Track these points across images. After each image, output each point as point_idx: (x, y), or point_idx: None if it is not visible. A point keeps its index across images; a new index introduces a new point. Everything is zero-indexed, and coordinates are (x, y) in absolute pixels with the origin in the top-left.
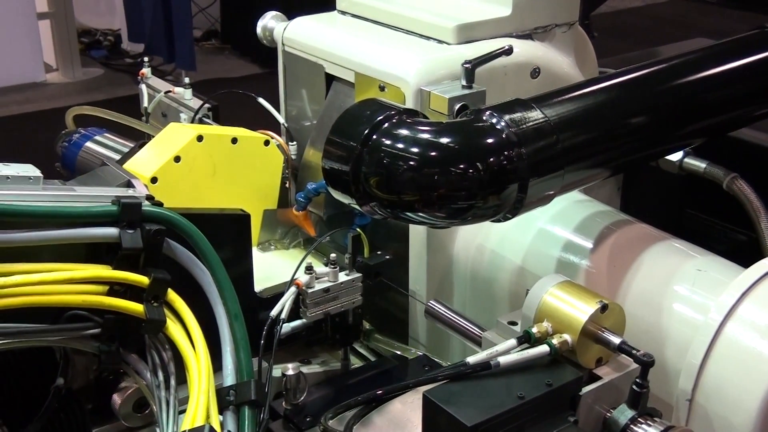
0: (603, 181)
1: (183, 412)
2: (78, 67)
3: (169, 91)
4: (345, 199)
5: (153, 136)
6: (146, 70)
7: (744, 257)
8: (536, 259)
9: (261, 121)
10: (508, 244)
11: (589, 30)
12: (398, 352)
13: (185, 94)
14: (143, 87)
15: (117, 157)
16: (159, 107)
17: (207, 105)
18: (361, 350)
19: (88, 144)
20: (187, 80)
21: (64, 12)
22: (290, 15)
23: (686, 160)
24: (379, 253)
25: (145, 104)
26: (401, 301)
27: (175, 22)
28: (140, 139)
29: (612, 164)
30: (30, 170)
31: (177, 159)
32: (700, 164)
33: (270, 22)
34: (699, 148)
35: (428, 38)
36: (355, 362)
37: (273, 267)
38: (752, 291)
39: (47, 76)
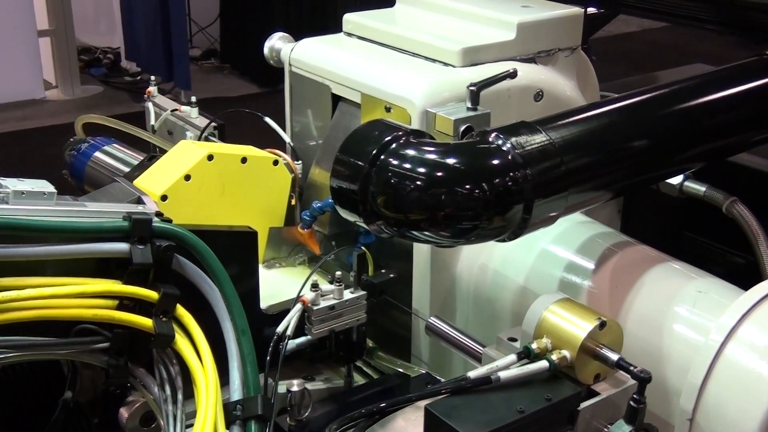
0: (604, 204)
1: (190, 426)
2: (77, 85)
3: (176, 110)
4: (352, 218)
5: (162, 149)
6: (153, 89)
7: (743, 280)
8: (538, 279)
9: (262, 140)
10: (511, 264)
11: (588, 54)
12: (401, 370)
13: (192, 112)
14: (150, 105)
15: (126, 169)
16: (165, 125)
17: (213, 124)
18: (364, 368)
19: (97, 154)
20: (193, 99)
21: (64, 30)
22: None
23: (686, 183)
24: (383, 271)
25: (152, 122)
26: (404, 319)
27: (173, 42)
28: (148, 152)
29: (614, 186)
30: (44, 186)
31: (187, 177)
32: (700, 188)
33: (277, 42)
34: (699, 171)
35: (434, 61)
36: (358, 380)
37: (278, 284)
38: (752, 313)
39: (47, 93)
